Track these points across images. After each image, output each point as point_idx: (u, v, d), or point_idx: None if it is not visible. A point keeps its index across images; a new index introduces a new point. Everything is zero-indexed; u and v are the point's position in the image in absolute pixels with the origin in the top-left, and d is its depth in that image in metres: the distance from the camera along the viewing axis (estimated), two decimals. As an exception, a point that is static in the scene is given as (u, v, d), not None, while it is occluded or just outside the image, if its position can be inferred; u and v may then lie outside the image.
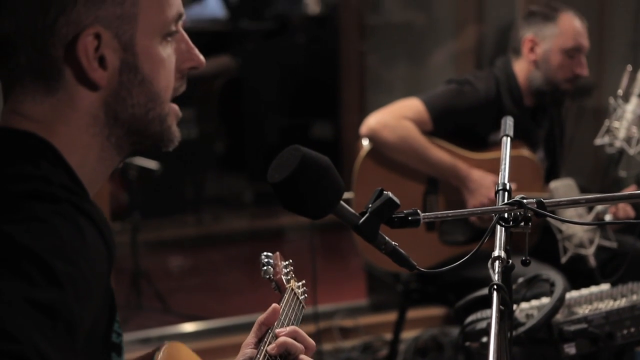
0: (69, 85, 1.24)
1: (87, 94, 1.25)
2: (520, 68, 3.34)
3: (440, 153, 3.22)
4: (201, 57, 1.35)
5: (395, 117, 3.20)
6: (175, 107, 1.33)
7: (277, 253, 1.92)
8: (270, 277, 1.86)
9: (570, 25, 3.29)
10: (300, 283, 1.91)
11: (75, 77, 1.24)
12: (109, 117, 1.27)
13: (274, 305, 1.63)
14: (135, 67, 1.26)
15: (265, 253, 1.88)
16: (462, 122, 3.27)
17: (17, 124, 1.24)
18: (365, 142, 3.28)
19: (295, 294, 1.84)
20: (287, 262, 1.91)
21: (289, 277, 1.88)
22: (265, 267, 1.86)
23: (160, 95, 1.29)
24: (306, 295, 1.90)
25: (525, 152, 3.29)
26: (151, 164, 4.25)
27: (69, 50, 1.22)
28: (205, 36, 6.92)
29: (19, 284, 1.03)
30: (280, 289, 1.85)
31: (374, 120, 3.23)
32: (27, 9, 1.21)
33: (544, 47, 3.29)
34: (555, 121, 3.52)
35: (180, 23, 1.33)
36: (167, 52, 1.30)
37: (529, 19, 3.35)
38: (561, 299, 2.31)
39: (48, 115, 1.24)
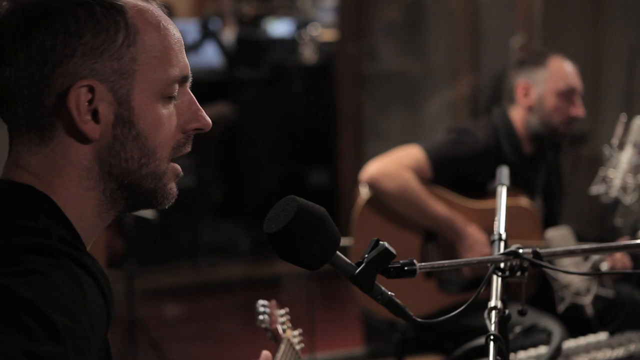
0: (61, 137, 1.25)
1: (79, 146, 1.25)
2: (517, 115, 3.35)
3: (438, 206, 3.21)
4: (207, 119, 1.35)
5: (396, 166, 3.21)
6: (176, 166, 1.33)
7: (274, 301, 1.91)
8: (266, 327, 1.85)
9: (561, 68, 3.31)
10: (296, 332, 1.89)
11: (66, 128, 1.24)
12: (103, 171, 1.27)
13: (265, 352, 1.62)
14: (130, 122, 1.26)
15: (261, 302, 1.87)
16: (462, 171, 3.28)
17: (16, 177, 1.25)
18: (363, 189, 3.29)
19: (291, 343, 1.83)
20: (283, 311, 1.90)
21: (285, 327, 1.87)
22: (261, 317, 1.85)
23: (156, 151, 1.29)
24: (303, 344, 1.89)
25: (523, 201, 3.29)
26: (147, 212, 4.25)
27: (61, 101, 1.23)
28: (202, 85, 6.97)
29: (19, 337, 1.02)
30: (276, 338, 1.84)
31: (375, 168, 3.23)
32: (26, 59, 1.23)
33: (537, 91, 3.31)
34: (553, 168, 3.52)
35: (187, 84, 1.33)
36: (168, 110, 1.30)
37: (520, 66, 3.38)
38: (558, 349, 2.31)
39: (42, 166, 1.25)
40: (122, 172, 1.28)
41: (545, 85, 3.30)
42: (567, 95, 3.30)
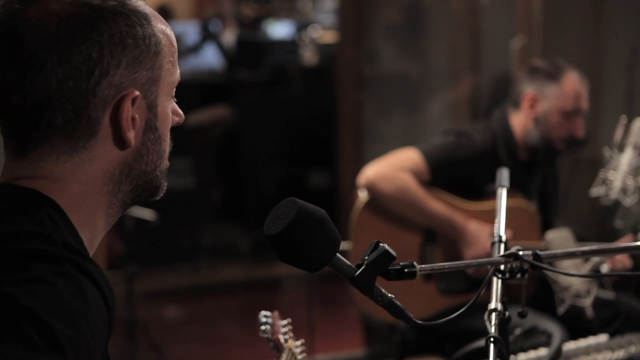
0: (97, 145, 1.26)
1: (114, 153, 1.27)
2: (518, 121, 3.34)
3: (438, 205, 3.22)
4: (182, 113, 1.38)
5: (393, 169, 3.21)
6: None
7: (276, 312, 1.91)
8: (268, 337, 1.85)
9: (573, 87, 3.29)
10: (298, 342, 1.89)
11: (105, 137, 1.26)
12: (122, 175, 1.29)
13: None
14: (155, 127, 1.30)
15: (263, 312, 1.88)
16: (459, 173, 3.28)
17: (27, 183, 1.24)
18: (362, 193, 3.29)
19: (293, 353, 1.83)
20: (285, 322, 1.90)
21: (287, 337, 1.87)
22: (263, 327, 1.85)
23: (166, 152, 1.34)
24: (305, 354, 1.89)
25: (521, 202, 3.29)
26: (147, 214, 4.25)
27: (106, 111, 1.25)
28: (202, 87, 6.97)
29: (19, 348, 1.02)
30: (278, 348, 1.84)
31: (372, 172, 3.23)
32: (72, 70, 1.22)
33: (544, 105, 3.29)
34: (549, 174, 3.52)
35: None
36: (170, 109, 1.34)
37: (532, 74, 3.34)
38: (558, 351, 2.31)
39: (67, 173, 1.25)
40: (140, 174, 1.30)
41: (553, 102, 3.28)
42: (571, 115, 3.30)
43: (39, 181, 1.24)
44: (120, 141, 1.26)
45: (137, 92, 1.26)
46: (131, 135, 1.26)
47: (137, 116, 1.27)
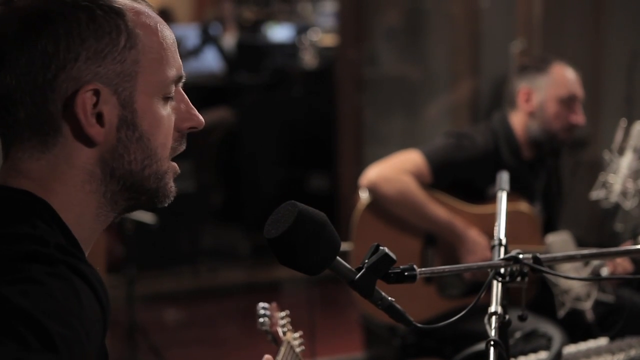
0: (66, 142, 1.25)
1: (84, 150, 1.25)
2: (517, 120, 3.36)
3: (438, 209, 3.22)
4: (200, 117, 1.36)
5: (396, 171, 3.21)
6: (175, 165, 1.35)
7: (274, 304, 1.91)
8: (266, 330, 1.85)
9: (563, 75, 3.33)
10: (297, 334, 1.90)
11: (72, 133, 1.24)
12: (105, 174, 1.27)
13: (267, 356, 1.61)
14: (134, 124, 1.27)
15: (261, 304, 1.88)
16: (461, 175, 3.28)
17: (14, 182, 1.25)
18: (363, 194, 3.29)
19: (292, 346, 1.83)
20: (283, 314, 1.90)
21: (285, 329, 1.87)
22: (261, 319, 1.85)
23: (157, 152, 1.30)
24: (303, 347, 1.89)
25: (522, 206, 3.29)
26: (147, 217, 4.25)
27: (67, 105, 1.23)
28: (203, 90, 6.97)
29: (14, 347, 1.02)
30: (276, 341, 1.84)
31: (374, 173, 3.24)
32: (29, 65, 1.22)
33: (539, 97, 3.32)
34: (553, 173, 3.53)
35: (180, 85, 1.35)
36: (167, 111, 1.31)
37: (522, 72, 3.40)
38: (559, 354, 2.31)
39: (44, 172, 1.25)
40: (125, 174, 1.28)
41: (546, 92, 3.31)
42: (568, 102, 3.31)
43: (22, 180, 1.24)
44: (85, 137, 1.25)
45: (98, 86, 1.23)
46: (95, 131, 1.24)
47: (104, 112, 1.25)
